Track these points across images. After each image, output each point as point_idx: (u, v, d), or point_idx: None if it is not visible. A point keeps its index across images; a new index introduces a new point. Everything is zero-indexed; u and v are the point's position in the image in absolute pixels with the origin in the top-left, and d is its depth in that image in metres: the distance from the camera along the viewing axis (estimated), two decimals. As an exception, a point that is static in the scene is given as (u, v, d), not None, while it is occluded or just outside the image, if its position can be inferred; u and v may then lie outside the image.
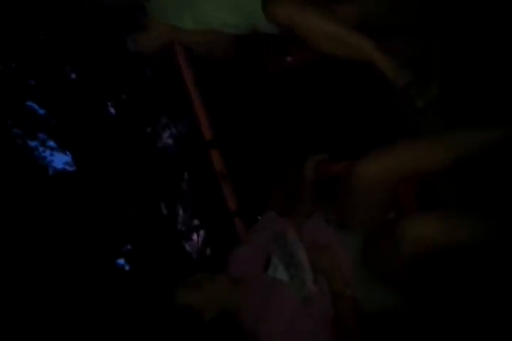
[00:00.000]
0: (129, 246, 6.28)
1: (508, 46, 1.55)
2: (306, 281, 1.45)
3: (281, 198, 1.80)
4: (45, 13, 4.52)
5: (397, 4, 1.64)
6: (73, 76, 5.34)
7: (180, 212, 6.34)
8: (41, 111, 5.43)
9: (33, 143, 5.63)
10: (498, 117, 1.50)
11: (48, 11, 4.41)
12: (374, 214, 1.54)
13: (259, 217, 1.90)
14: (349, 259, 1.52)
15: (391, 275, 1.46)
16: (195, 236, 6.47)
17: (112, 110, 5.62)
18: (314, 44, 1.45)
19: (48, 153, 5.73)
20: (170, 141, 5.89)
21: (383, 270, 1.45)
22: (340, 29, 1.43)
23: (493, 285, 1.51)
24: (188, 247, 6.49)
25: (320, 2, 1.47)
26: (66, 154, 5.79)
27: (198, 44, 1.62)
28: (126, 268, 6.39)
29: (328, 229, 1.57)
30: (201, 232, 6.41)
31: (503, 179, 1.57)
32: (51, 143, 5.71)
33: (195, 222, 6.46)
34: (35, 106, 5.38)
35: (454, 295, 1.54)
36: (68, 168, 5.91)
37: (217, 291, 1.50)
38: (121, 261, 6.35)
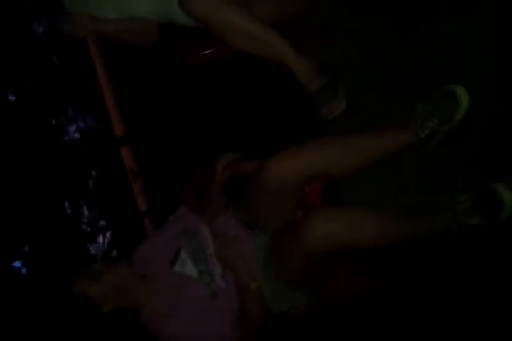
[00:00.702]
0: (26, 248, 5.89)
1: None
2: (215, 276, 1.43)
3: (192, 196, 1.76)
4: None
5: (313, 3, 1.66)
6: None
7: (86, 211, 6.04)
8: None
9: None
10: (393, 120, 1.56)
11: None
12: (281, 213, 1.58)
13: (169, 218, 1.85)
14: (256, 259, 1.53)
15: (296, 275, 1.50)
16: (100, 238, 6.19)
17: (13, 98, 5.24)
18: (229, 41, 1.44)
19: None
20: (77, 135, 5.60)
21: (289, 270, 1.48)
22: (256, 27, 1.42)
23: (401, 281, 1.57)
24: (92, 249, 6.20)
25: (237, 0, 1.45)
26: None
27: (120, 33, 1.56)
28: (23, 271, 6.00)
29: (237, 224, 1.57)
30: (108, 234, 6.14)
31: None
32: None
33: (102, 222, 6.18)
34: None
35: (361, 293, 1.58)
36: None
37: (117, 284, 1.45)
38: (17, 263, 5.95)
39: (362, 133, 1.57)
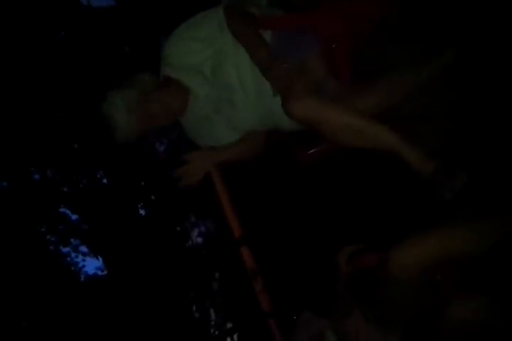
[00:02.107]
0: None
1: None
2: None
3: (318, 295, 1.70)
4: (79, 125, 4.83)
5: (412, 93, 1.67)
6: (104, 181, 5.54)
7: (213, 314, 6.09)
8: (74, 217, 5.56)
9: (65, 249, 5.68)
10: None
11: (82, 122, 4.71)
12: (413, 306, 1.45)
13: (294, 317, 1.79)
14: None
15: None
16: (229, 341, 6.13)
17: (142, 212, 5.71)
18: (335, 139, 1.46)
19: (80, 258, 5.75)
20: (199, 240, 5.86)
21: None
22: (361, 122, 1.44)
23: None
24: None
25: (337, 97, 1.51)
26: (98, 259, 5.78)
27: (235, 158, 1.71)
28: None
29: (367, 326, 1.47)
30: (235, 336, 6.07)
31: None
32: (83, 249, 5.74)
33: (228, 324, 6.16)
34: (68, 212, 5.52)
35: None
36: (99, 272, 5.87)
37: None
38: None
39: (486, 215, 1.47)
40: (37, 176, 5.19)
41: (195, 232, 5.97)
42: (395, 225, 2.20)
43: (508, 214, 1.38)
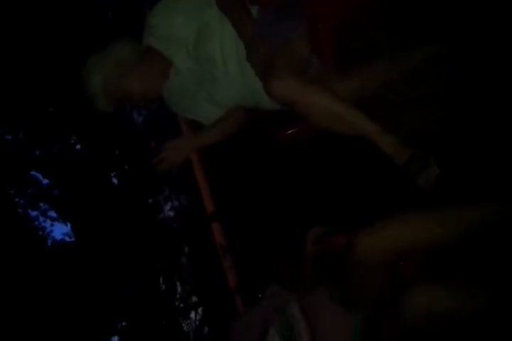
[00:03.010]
0: (124, 323, 6.03)
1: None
2: None
3: (285, 273, 1.72)
4: (55, 88, 4.70)
5: (394, 81, 1.67)
6: (78, 147, 5.45)
7: (179, 288, 6.13)
8: (45, 182, 5.48)
9: (33, 213, 5.62)
10: (499, 192, 1.47)
11: (58, 85, 4.59)
12: (376, 290, 1.48)
13: (259, 295, 1.81)
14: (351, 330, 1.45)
15: None
16: (193, 314, 6.20)
17: (115, 181, 5.66)
18: (313, 120, 1.45)
19: (48, 223, 5.70)
20: (171, 214, 5.86)
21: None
22: (339, 107, 1.44)
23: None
24: (185, 326, 6.20)
25: (318, 79, 1.50)
26: (66, 225, 5.74)
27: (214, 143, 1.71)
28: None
29: (331, 303, 1.50)
30: (199, 310, 6.14)
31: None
32: (52, 214, 5.68)
33: (194, 298, 6.22)
34: (39, 176, 5.43)
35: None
36: (67, 238, 5.84)
37: None
38: (115, 338, 6.07)
39: (458, 204, 1.49)
40: (9, 137, 5.09)
41: (168, 206, 5.95)
42: (365, 209, 2.22)
43: (479, 204, 1.40)
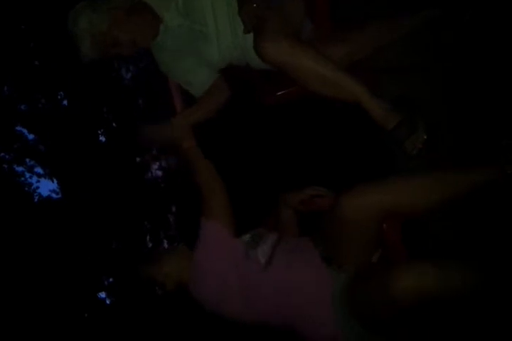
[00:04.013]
0: (111, 279, 6.13)
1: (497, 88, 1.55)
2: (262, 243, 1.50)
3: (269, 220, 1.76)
4: (41, 41, 4.56)
5: (386, 47, 1.66)
6: (65, 103, 5.35)
7: (166, 245, 6.22)
8: (30, 137, 5.40)
9: (19, 169, 5.57)
10: (487, 155, 1.47)
11: (45, 39, 4.45)
12: (359, 251, 1.51)
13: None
14: (330, 301, 1.47)
15: (375, 320, 1.41)
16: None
17: (103, 138, 5.60)
18: (304, 83, 1.44)
19: (34, 179, 5.66)
20: (159, 173, 5.86)
21: (367, 314, 1.40)
22: (330, 70, 1.42)
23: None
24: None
25: (311, 42, 1.47)
26: (52, 181, 5.71)
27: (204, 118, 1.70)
28: (107, 301, 6.22)
29: (315, 252, 1.54)
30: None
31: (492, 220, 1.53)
32: (38, 170, 5.64)
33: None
34: (25, 132, 5.35)
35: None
36: (54, 195, 5.83)
37: (175, 263, 1.54)
38: (102, 294, 6.19)
39: (445, 168, 1.50)
40: (-6, 91, 4.95)
41: (156, 166, 5.94)
42: (353, 172, 2.24)
43: (462, 168, 1.41)
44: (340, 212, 1.37)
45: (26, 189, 5.58)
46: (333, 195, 1.63)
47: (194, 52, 1.52)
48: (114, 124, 5.51)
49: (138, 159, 5.90)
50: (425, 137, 1.43)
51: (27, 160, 5.48)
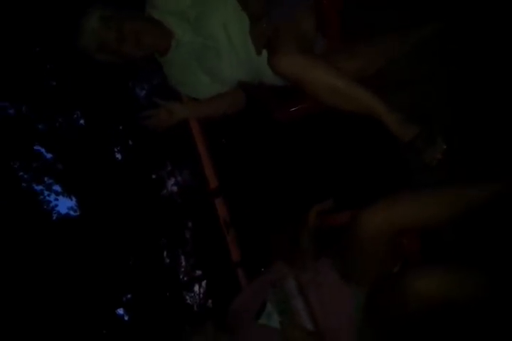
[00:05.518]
0: (129, 296, 6.13)
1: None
2: None
3: (283, 247, 1.74)
4: (58, 62, 4.66)
5: (398, 59, 1.66)
6: (82, 122, 5.43)
7: (183, 261, 6.22)
8: (48, 156, 5.49)
9: (38, 187, 5.65)
10: (502, 170, 1.46)
11: (61, 59, 4.54)
12: (377, 267, 1.48)
13: (262, 269, 1.83)
14: (353, 319, 1.45)
15: (392, 330, 1.39)
16: (196, 287, 6.30)
17: (119, 156, 5.66)
18: (317, 97, 1.43)
19: (52, 197, 5.73)
20: (174, 189, 5.88)
21: (384, 325, 1.38)
22: (346, 84, 1.42)
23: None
24: (188, 299, 6.31)
25: (323, 56, 1.48)
26: (71, 199, 5.77)
27: (212, 114, 1.69)
28: (126, 318, 6.21)
29: (331, 272, 1.51)
30: (203, 283, 6.24)
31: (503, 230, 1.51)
32: (57, 188, 5.71)
33: (198, 272, 6.31)
34: (43, 151, 5.44)
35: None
36: (72, 213, 5.89)
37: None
38: (120, 310, 6.19)
39: (458, 182, 1.49)
40: (12, 111, 5.07)
41: (171, 181, 5.97)
42: (370, 186, 2.23)
43: (480, 182, 1.40)
44: (358, 228, 1.36)
45: (45, 207, 5.67)
46: (350, 211, 1.62)
47: (206, 68, 1.53)
48: (130, 142, 5.57)
49: (154, 176, 5.94)
50: (445, 147, 1.42)
51: (45, 178, 5.58)
